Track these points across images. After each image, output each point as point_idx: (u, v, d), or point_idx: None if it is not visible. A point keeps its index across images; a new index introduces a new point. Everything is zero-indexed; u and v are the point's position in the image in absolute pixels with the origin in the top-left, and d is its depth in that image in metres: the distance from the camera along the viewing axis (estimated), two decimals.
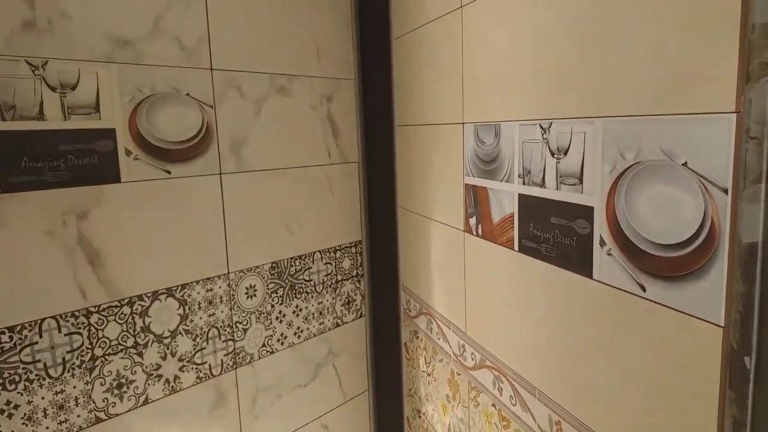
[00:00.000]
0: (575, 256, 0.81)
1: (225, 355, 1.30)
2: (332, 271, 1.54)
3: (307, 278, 1.47)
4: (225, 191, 1.25)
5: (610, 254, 0.74)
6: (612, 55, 0.71)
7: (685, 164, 0.62)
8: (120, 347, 1.11)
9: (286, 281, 1.42)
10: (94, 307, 1.06)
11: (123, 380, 1.12)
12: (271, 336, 1.40)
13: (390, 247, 1.61)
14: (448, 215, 1.24)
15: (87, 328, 1.06)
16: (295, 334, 1.46)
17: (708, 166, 0.59)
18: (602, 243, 0.76)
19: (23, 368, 0.98)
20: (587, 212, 0.78)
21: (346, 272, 1.58)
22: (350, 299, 1.59)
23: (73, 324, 1.03)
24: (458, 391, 1.29)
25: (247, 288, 1.33)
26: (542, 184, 0.87)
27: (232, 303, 1.30)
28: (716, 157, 0.58)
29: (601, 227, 0.75)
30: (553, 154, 0.84)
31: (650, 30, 0.65)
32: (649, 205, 0.67)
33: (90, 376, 1.07)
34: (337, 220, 1.53)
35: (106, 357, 1.09)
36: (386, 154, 1.56)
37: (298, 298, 1.45)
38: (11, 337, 0.96)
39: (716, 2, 0.57)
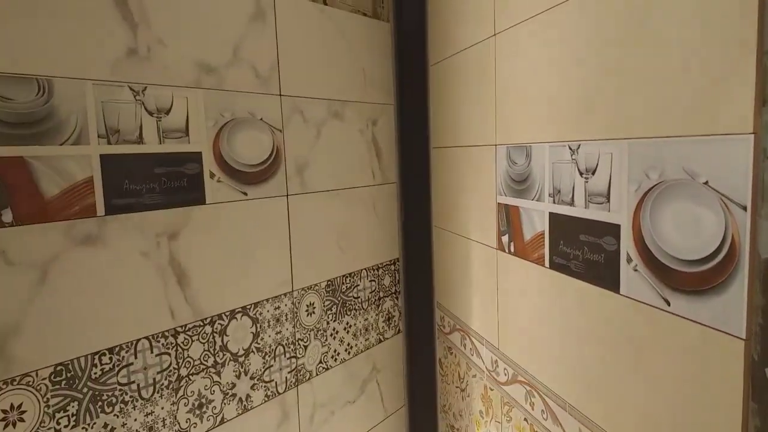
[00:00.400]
0: (603, 272, 0.85)
1: (288, 373, 1.33)
2: (375, 288, 1.60)
3: (355, 295, 1.53)
4: (291, 212, 1.30)
5: (636, 270, 0.78)
6: (637, 80, 0.75)
7: (706, 183, 0.65)
8: (201, 367, 1.13)
9: (339, 298, 1.47)
10: (181, 326, 1.09)
11: (203, 400, 1.14)
12: (327, 353, 1.44)
13: (425, 264, 1.68)
14: (481, 233, 1.30)
15: (174, 348, 1.08)
16: (346, 350, 1.51)
17: (728, 185, 0.62)
18: (629, 259, 0.79)
19: (120, 390, 1.00)
20: (614, 230, 0.81)
21: (387, 289, 1.64)
22: (390, 315, 1.65)
23: (163, 344, 1.06)
24: (491, 406, 1.33)
25: (307, 305, 1.37)
26: (571, 203, 0.91)
27: (296, 320, 1.34)
28: (735, 176, 0.61)
29: (627, 244, 0.79)
30: (581, 174, 0.88)
31: (674, 56, 0.69)
32: (672, 222, 0.70)
33: (176, 396, 1.09)
34: (379, 238, 1.60)
35: (190, 377, 1.11)
36: (422, 175, 1.64)
37: (348, 315, 1.50)
38: (111, 359, 0.98)
39: (735, 31, 0.60)
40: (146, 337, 1.03)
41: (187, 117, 1.08)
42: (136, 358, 1.02)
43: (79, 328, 0.94)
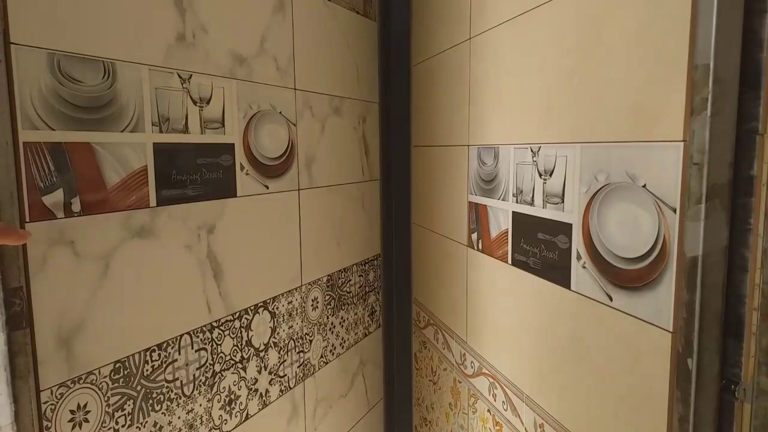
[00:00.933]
0: (557, 269, 0.90)
1: (297, 367, 1.37)
2: (363, 283, 1.67)
3: (348, 290, 1.59)
4: (301, 206, 1.34)
5: (584, 267, 0.83)
6: (589, 88, 0.80)
7: (644, 186, 0.70)
8: (231, 362, 1.14)
9: (336, 293, 1.52)
10: (216, 321, 1.09)
11: (232, 396, 1.15)
12: (326, 347, 1.49)
13: (404, 260, 1.78)
14: (453, 231, 1.38)
15: (210, 344, 1.08)
16: (341, 344, 1.56)
17: (661, 188, 0.67)
18: (579, 257, 0.84)
19: (166, 387, 0.99)
20: (567, 228, 0.87)
21: (371, 284, 1.72)
22: (373, 310, 1.73)
23: (201, 339, 1.06)
24: (459, 398, 1.41)
25: (312, 300, 1.41)
26: (531, 203, 0.97)
27: (304, 315, 1.38)
28: (668, 180, 0.66)
29: (578, 242, 0.84)
30: (540, 175, 0.93)
31: (620, 67, 0.74)
32: (615, 222, 0.76)
33: (211, 393, 1.09)
34: (366, 234, 1.67)
35: (222, 373, 1.12)
36: (403, 173, 1.74)
37: (342, 310, 1.56)
38: (159, 355, 0.97)
39: (670, 46, 0.65)
40: (188, 333, 1.03)
41: (223, 107, 1.09)
42: (179, 354, 1.01)
43: (134, 323, 0.92)
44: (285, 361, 1.31)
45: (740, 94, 0.60)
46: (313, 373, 1.43)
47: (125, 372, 0.91)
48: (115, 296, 0.89)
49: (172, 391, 1.00)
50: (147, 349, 0.95)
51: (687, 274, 0.64)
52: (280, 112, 1.25)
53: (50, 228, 0.79)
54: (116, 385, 0.89)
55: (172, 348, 0.99)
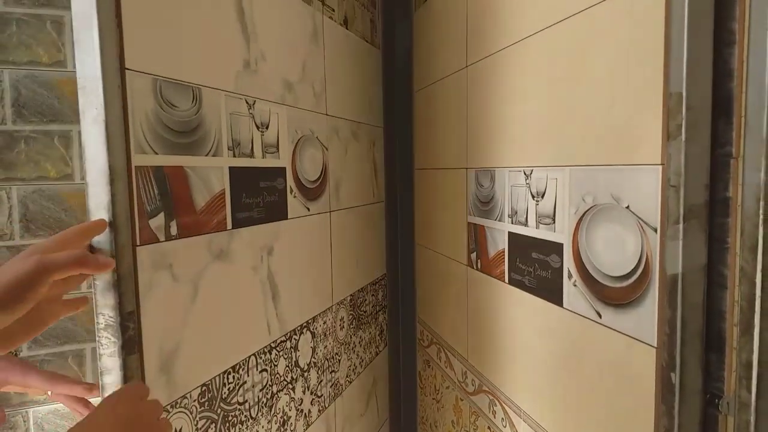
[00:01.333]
0: (550, 287, 0.94)
1: (330, 387, 1.39)
2: (375, 302, 1.72)
3: (364, 309, 1.63)
4: (332, 227, 1.39)
5: (575, 285, 0.86)
6: (577, 114, 0.84)
7: (627, 207, 0.73)
8: (284, 383, 1.16)
9: (356, 312, 1.57)
10: (274, 342, 1.11)
11: (285, 417, 1.17)
12: (350, 366, 1.52)
13: (408, 280, 1.85)
14: (454, 250, 1.43)
15: (270, 365, 1.10)
16: (360, 363, 1.60)
17: (643, 209, 0.70)
18: (570, 275, 0.87)
19: (238, 409, 1.00)
20: (558, 248, 0.90)
21: (380, 303, 1.77)
22: (382, 329, 1.78)
23: (263, 360, 1.08)
24: (461, 416, 1.45)
25: (340, 320, 1.45)
26: (526, 223, 1.01)
27: (334, 335, 1.41)
28: (648, 201, 0.69)
29: (568, 261, 0.88)
30: (533, 197, 0.98)
31: (604, 94, 0.78)
32: (602, 242, 0.79)
33: (270, 414, 1.11)
34: (376, 254, 1.73)
35: (278, 394, 1.14)
36: (407, 194, 1.82)
37: (361, 329, 1.60)
38: (233, 377, 0.98)
39: (649, 75, 0.69)
40: (254, 354, 1.04)
41: (278, 132, 1.13)
42: (248, 375, 1.03)
43: (216, 346, 0.94)
44: (322, 381, 1.34)
45: (714, 120, 0.64)
46: (341, 392, 1.46)
47: (209, 395, 0.92)
48: (203, 319, 0.90)
49: (242, 414, 1.01)
50: (224, 372, 0.96)
51: (668, 292, 0.66)
52: (317, 137, 1.30)
53: (155, 251, 0.80)
54: (203, 408, 0.90)
55: (242, 370, 1.01)
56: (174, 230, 0.84)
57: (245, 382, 1.02)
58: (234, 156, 0.98)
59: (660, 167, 0.68)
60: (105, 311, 0.71)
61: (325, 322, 1.35)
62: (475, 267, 1.28)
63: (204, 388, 0.91)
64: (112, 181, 0.70)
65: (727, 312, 0.65)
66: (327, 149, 1.36)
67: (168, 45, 0.83)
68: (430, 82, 1.61)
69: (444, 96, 1.48)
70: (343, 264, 1.46)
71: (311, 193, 1.27)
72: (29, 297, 0.55)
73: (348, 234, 1.50)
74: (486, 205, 1.19)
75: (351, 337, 1.53)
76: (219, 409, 0.94)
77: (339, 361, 1.45)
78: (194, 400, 0.88)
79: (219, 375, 0.94)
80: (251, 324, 1.04)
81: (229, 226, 0.97)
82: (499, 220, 1.13)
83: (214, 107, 0.93)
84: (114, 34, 0.71)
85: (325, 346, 1.36)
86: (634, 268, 0.73)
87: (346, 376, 1.50)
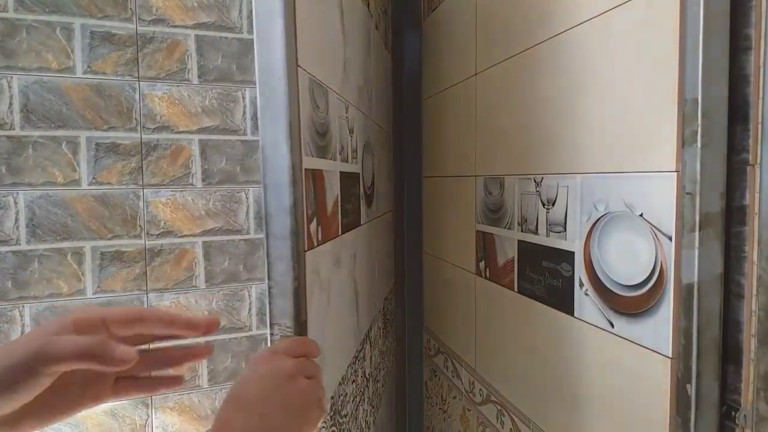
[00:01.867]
0: (561, 296, 0.92)
1: (376, 396, 1.40)
2: (391, 310, 1.73)
3: (387, 317, 1.64)
4: (374, 239, 1.39)
5: (587, 294, 0.85)
6: (588, 121, 0.84)
7: (641, 215, 0.72)
8: (361, 393, 1.17)
9: (383, 321, 1.57)
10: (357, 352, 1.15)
11: (362, 427, 1.17)
12: (385, 374, 1.53)
13: (416, 288, 1.84)
14: (462, 259, 1.41)
15: (354, 374, 1.12)
16: (387, 372, 1.61)
17: (658, 217, 0.69)
18: (581, 284, 0.86)
19: (343, 421, 0.99)
20: (570, 257, 0.89)
21: (393, 312, 1.77)
22: (395, 337, 1.79)
23: (353, 370, 1.10)
24: (468, 426, 1.42)
25: (378, 328, 1.45)
26: (536, 231, 1.00)
27: (377, 344, 1.42)
28: (663, 209, 0.68)
29: (580, 270, 0.86)
30: (543, 205, 0.97)
31: (616, 102, 0.77)
32: (615, 250, 0.78)
33: (356, 425, 1.11)
34: (390, 262, 1.73)
35: (359, 406, 1.15)
36: (416, 203, 1.82)
37: (387, 337, 1.62)
38: (343, 389, 0.98)
39: (663, 81, 0.68)
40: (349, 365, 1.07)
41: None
42: (348, 387, 1.05)
43: (338, 355, 0.95)
44: (374, 391, 1.35)
45: (730, 126, 0.63)
46: (381, 402, 1.46)
47: (334, 408, 0.91)
48: (334, 326, 0.91)
49: (344, 426, 1.00)
50: (338, 384, 0.95)
51: (684, 301, 0.65)
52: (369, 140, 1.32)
53: (313, 257, 0.75)
54: (332, 422, 0.89)
55: (345, 383, 1.01)
56: (320, 235, 0.81)
57: (346, 394, 1.02)
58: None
59: (675, 174, 0.67)
60: (282, 321, 0.67)
61: (374, 330, 1.35)
62: (483, 275, 1.27)
63: (332, 400, 0.89)
64: (294, 182, 0.66)
65: (744, 322, 0.63)
66: (374, 154, 1.36)
67: (313, 42, 0.78)
68: (439, 90, 1.61)
69: (453, 104, 1.47)
70: (378, 272, 1.46)
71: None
72: (21, 389, 0.41)
73: (380, 242, 1.50)
74: (495, 213, 1.19)
75: (382, 345, 1.52)
76: (336, 423, 0.93)
77: (379, 369, 1.43)
78: (328, 414, 0.87)
79: (337, 386, 0.94)
80: (347, 335, 1.04)
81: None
82: (509, 228, 1.12)
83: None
84: (293, 26, 0.66)
85: (373, 356, 1.35)
86: (648, 276, 0.72)
87: (383, 385, 1.49)
